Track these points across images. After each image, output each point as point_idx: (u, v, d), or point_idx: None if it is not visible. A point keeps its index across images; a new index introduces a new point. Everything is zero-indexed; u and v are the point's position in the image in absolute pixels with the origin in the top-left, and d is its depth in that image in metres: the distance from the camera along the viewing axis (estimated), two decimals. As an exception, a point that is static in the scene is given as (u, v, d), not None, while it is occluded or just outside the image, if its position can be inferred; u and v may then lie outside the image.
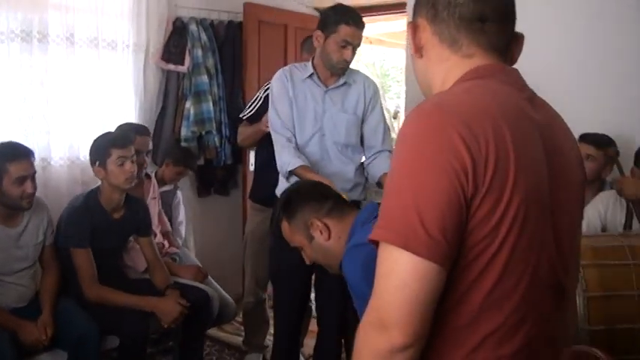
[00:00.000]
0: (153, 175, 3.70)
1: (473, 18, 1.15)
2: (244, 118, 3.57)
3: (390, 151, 2.96)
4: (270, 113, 2.95)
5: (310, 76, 2.90)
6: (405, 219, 0.99)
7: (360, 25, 2.81)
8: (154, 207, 3.53)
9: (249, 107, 3.55)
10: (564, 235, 1.15)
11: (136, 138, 3.23)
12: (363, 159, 3.06)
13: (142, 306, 2.94)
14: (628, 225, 2.74)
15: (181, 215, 3.88)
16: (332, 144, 2.89)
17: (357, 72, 3.08)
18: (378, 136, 2.99)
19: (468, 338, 1.07)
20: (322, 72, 2.91)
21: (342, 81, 2.92)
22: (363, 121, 2.98)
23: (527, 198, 1.04)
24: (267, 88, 3.43)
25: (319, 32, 2.84)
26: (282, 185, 2.91)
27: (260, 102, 3.47)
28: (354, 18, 2.79)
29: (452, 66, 1.18)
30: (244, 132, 3.56)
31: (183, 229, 3.88)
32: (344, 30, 2.76)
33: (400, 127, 1.10)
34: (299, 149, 2.86)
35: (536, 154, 1.09)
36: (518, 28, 1.22)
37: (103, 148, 2.94)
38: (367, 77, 3.07)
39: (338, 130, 2.89)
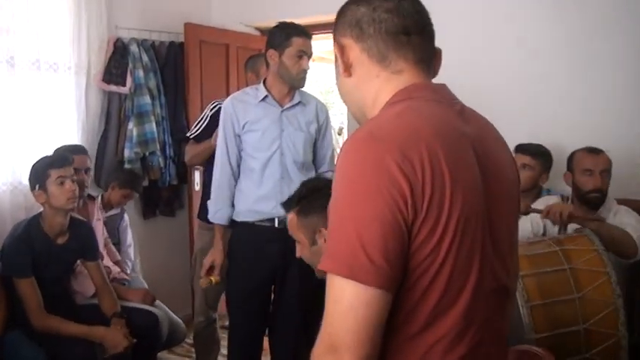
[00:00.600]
0: (98, 197, 3.65)
1: (398, 31, 1.19)
2: (191, 137, 3.57)
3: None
4: (219, 142, 2.99)
5: (264, 98, 2.93)
6: (348, 249, 1.02)
7: (309, 36, 2.91)
8: (99, 229, 3.47)
9: (195, 126, 3.56)
10: (502, 239, 1.20)
11: (74, 157, 3.16)
12: None
13: (89, 335, 2.89)
14: (563, 228, 2.85)
15: (129, 238, 3.83)
16: (292, 162, 2.92)
17: (308, 94, 3.13)
18: (327, 157, 3.11)
19: (418, 346, 1.11)
20: (278, 91, 2.95)
21: (296, 100, 2.96)
22: (316, 142, 3.05)
23: (464, 213, 1.08)
24: (214, 107, 3.48)
25: (272, 51, 2.89)
26: (249, 201, 2.94)
27: (207, 120, 3.49)
28: (302, 29, 2.90)
29: (382, 82, 1.22)
30: (192, 150, 3.56)
31: (132, 252, 3.83)
32: (297, 42, 2.85)
33: (338, 157, 1.12)
34: (256, 172, 2.92)
35: (470, 168, 1.13)
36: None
37: (41, 170, 2.90)
38: (318, 100, 3.14)
39: (296, 148, 2.93)
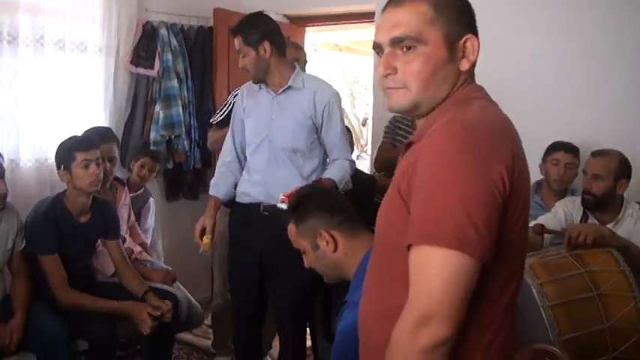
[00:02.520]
0: (125, 180, 3.69)
1: (471, 17, 1.31)
2: (214, 123, 3.60)
3: (348, 160, 3.01)
4: (231, 123, 3.11)
5: (260, 86, 2.97)
6: (455, 223, 1.09)
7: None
8: (125, 214, 3.53)
9: (219, 112, 3.58)
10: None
11: (101, 145, 3.20)
12: None
13: (118, 310, 2.95)
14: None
15: (149, 221, 3.87)
16: (280, 149, 2.91)
17: (314, 77, 3.10)
18: (335, 144, 2.99)
19: (496, 307, 1.22)
20: (272, 78, 2.93)
21: (287, 85, 2.91)
22: (320, 129, 2.96)
23: (526, 199, 1.22)
24: (237, 93, 3.47)
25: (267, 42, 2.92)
26: (244, 184, 3.00)
27: (230, 107, 3.50)
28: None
29: (454, 73, 1.29)
30: (214, 136, 3.59)
31: (149, 235, 3.86)
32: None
33: (429, 142, 1.18)
34: (249, 158, 3.00)
35: (526, 161, 1.27)
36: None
37: (67, 151, 2.94)
38: (325, 85, 3.04)
39: (284, 134, 2.90)
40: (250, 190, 2.95)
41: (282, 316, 3.03)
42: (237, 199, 3.03)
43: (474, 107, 1.23)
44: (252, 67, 2.86)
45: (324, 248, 1.92)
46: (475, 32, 1.28)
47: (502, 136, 1.19)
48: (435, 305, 1.08)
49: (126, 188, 3.62)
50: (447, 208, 1.10)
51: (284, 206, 2.62)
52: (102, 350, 2.87)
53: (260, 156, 2.94)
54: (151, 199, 3.89)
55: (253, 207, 2.94)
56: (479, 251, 1.08)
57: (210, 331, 3.89)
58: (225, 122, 3.50)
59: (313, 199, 2.02)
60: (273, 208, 2.79)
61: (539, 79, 3.69)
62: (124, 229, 3.45)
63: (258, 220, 2.92)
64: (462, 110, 1.22)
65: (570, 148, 3.29)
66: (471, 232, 1.08)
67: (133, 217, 3.63)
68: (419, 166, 1.16)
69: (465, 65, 1.27)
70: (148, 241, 3.81)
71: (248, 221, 2.98)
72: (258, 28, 2.86)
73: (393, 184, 1.26)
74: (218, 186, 3.08)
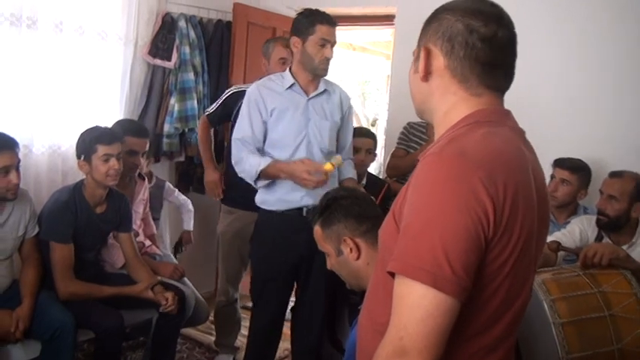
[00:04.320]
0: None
1: (486, 62, 1.22)
2: (206, 114, 3.67)
3: (351, 160, 3.18)
4: (242, 123, 2.94)
5: (291, 86, 2.93)
6: (431, 258, 1.07)
7: (334, 23, 2.88)
8: (141, 208, 3.53)
9: (213, 105, 3.67)
10: (538, 255, 1.29)
11: (134, 139, 3.25)
12: None
13: (121, 293, 2.98)
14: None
15: (181, 197, 4.01)
16: (318, 151, 2.93)
17: (332, 82, 3.13)
18: (346, 146, 3.15)
19: (471, 347, 1.19)
20: (303, 79, 2.94)
21: (322, 88, 2.96)
22: (339, 130, 3.07)
23: (527, 233, 1.16)
24: (230, 92, 3.55)
25: (296, 38, 2.89)
26: (262, 195, 2.96)
27: (220, 102, 3.59)
28: (327, 17, 2.88)
29: (458, 100, 1.25)
30: (203, 139, 3.71)
31: (189, 205, 4.03)
32: (320, 29, 2.83)
33: (421, 167, 1.16)
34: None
35: (532, 193, 1.21)
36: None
37: (89, 142, 2.93)
38: (342, 89, 3.14)
39: (322, 136, 2.94)
40: (289, 196, 2.90)
41: (308, 312, 3.06)
42: (269, 207, 2.96)
43: (475, 133, 1.19)
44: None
45: (347, 255, 1.91)
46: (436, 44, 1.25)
47: (499, 167, 1.13)
48: (410, 341, 1.07)
49: (145, 183, 3.62)
50: (426, 243, 1.08)
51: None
52: (107, 340, 2.87)
53: (299, 158, 2.87)
54: (167, 184, 3.90)
55: (294, 212, 2.92)
56: (455, 289, 1.06)
57: (214, 327, 3.88)
58: (214, 117, 3.62)
59: (342, 204, 1.99)
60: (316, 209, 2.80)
61: (558, 92, 3.68)
62: (137, 224, 3.46)
63: (300, 224, 2.85)
64: (460, 136, 1.20)
65: (568, 165, 3.26)
66: (447, 269, 1.06)
67: (147, 210, 3.65)
68: (409, 192, 1.16)
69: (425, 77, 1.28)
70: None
71: (287, 228, 2.93)
72: None
73: (393, 205, 1.26)
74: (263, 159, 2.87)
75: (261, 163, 2.83)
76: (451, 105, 1.26)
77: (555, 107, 3.65)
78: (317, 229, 2.02)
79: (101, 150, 2.90)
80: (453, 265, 1.06)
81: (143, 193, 3.57)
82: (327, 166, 2.76)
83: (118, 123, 3.43)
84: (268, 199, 2.96)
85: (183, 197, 4.00)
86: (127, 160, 3.21)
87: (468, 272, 1.07)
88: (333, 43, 2.87)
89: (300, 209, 2.92)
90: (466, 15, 1.21)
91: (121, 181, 3.19)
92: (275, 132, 2.91)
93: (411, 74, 1.33)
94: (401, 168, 3.77)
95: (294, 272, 3.03)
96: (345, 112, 3.08)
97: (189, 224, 4.02)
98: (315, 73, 2.92)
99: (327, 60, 2.88)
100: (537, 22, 3.62)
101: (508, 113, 1.28)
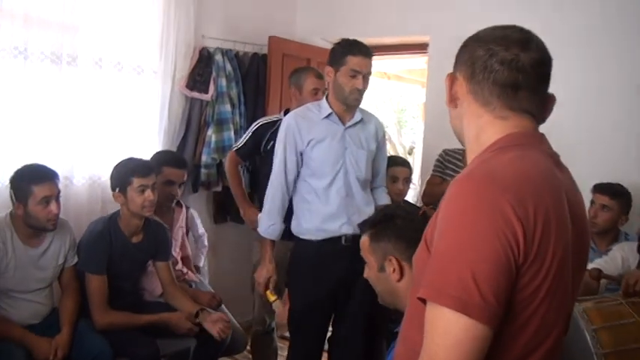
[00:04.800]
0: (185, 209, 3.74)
1: (506, 84, 1.22)
2: (234, 149, 3.69)
3: (385, 187, 3.20)
4: (276, 160, 2.97)
5: (328, 115, 2.95)
6: (460, 284, 1.06)
7: (367, 54, 2.87)
8: (180, 235, 3.58)
9: (241, 140, 3.70)
10: (576, 284, 1.25)
11: (172, 169, 3.32)
12: None
13: (156, 321, 2.99)
14: None
15: (200, 229, 3.92)
16: (355, 180, 2.94)
17: (367, 111, 3.14)
18: (381, 173, 3.18)
19: None
20: (338, 109, 2.95)
21: (358, 118, 2.97)
22: (374, 158, 3.09)
23: (562, 260, 1.13)
24: (257, 124, 3.59)
25: (329, 68, 2.92)
26: (298, 223, 2.98)
27: (249, 135, 3.62)
28: (360, 48, 2.87)
29: (485, 123, 1.26)
30: (233, 176, 3.70)
31: (205, 240, 3.94)
32: (352, 60, 2.83)
33: (449, 192, 1.16)
34: (322, 191, 2.92)
35: (566, 217, 1.17)
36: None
37: (124, 175, 2.99)
38: (377, 118, 3.18)
39: (359, 166, 2.95)
40: (329, 225, 2.90)
41: (344, 351, 3.05)
42: (307, 237, 2.96)
43: (504, 157, 1.19)
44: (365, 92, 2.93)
45: (389, 274, 1.89)
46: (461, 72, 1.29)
47: (529, 190, 1.11)
48: None
49: (183, 210, 3.68)
50: (454, 268, 1.07)
51: None
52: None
53: (337, 187, 2.90)
54: (190, 210, 3.90)
55: (333, 241, 2.91)
56: (484, 315, 1.05)
57: (251, 357, 3.88)
58: (244, 150, 3.63)
59: (396, 223, 1.96)
60: (355, 238, 2.80)
61: (600, 114, 3.65)
62: (176, 251, 3.51)
63: (339, 253, 2.88)
64: (489, 159, 1.20)
65: (608, 190, 3.20)
66: (475, 295, 1.04)
67: (185, 238, 3.71)
68: (439, 217, 1.16)
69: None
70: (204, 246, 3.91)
71: (325, 257, 2.93)
72: None
73: (425, 231, 1.26)
74: (275, 227, 2.98)
75: (269, 229, 2.98)
76: (479, 129, 1.27)
77: (591, 130, 3.62)
78: (365, 240, 1.99)
79: (136, 182, 2.95)
80: (482, 291, 1.04)
81: (182, 220, 3.62)
82: (270, 297, 2.98)
83: (157, 154, 3.51)
84: (305, 227, 2.95)
85: (202, 230, 3.94)
86: (164, 190, 3.28)
87: (498, 298, 1.06)
88: (365, 74, 2.86)
89: (339, 237, 2.91)
90: (490, 41, 1.23)
91: (159, 209, 3.25)
92: (313, 161, 2.92)
93: (447, 102, 1.36)
94: (437, 195, 3.74)
95: (333, 302, 3.01)
96: (380, 141, 3.11)
97: (201, 259, 3.92)
98: (346, 103, 2.92)
99: (358, 91, 2.86)
100: (572, 41, 3.62)
101: (541, 136, 1.27)
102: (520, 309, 1.12)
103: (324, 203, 2.91)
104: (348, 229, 2.89)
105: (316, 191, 2.92)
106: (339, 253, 2.88)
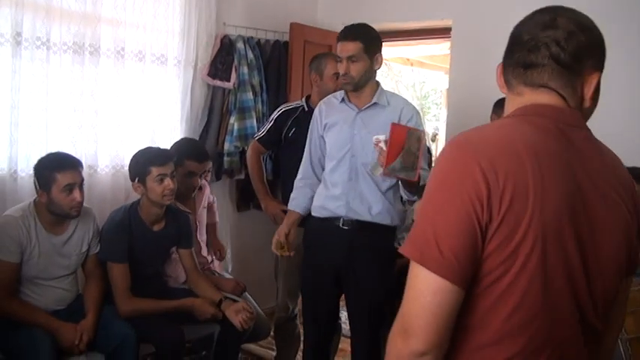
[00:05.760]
0: (207, 185, 3.75)
1: (518, 64, 1.28)
2: (256, 138, 3.71)
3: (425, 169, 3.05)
4: (307, 142, 3.12)
5: (343, 99, 2.97)
6: (423, 238, 1.13)
7: (345, 38, 2.87)
8: (202, 216, 3.61)
9: (263, 128, 3.70)
10: (598, 278, 1.20)
11: (194, 163, 3.34)
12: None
13: (179, 307, 3.03)
14: None
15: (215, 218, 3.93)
16: (361, 164, 2.91)
17: (396, 95, 3.13)
18: None
19: (491, 358, 1.17)
20: (349, 93, 2.97)
21: (373, 101, 2.93)
22: None
23: (545, 233, 1.12)
24: (280, 110, 3.61)
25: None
26: (322, 199, 2.99)
27: (272, 123, 3.63)
28: (338, 34, 2.92)
29: (509, 101, 1.32)
30: (254, 168, 3.72)
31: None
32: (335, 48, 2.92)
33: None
34: (322, 173, 3.03)
35: (561, 193, 1.15)
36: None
37: (142, 165, 3.01)
38: (407, 103, 3.06)
39: (366, 151, 2.89)
40: (329, 204, 2.95)
41: (358, 328, 3.04)
42: (314, 213, 3.03)
43: (496, 123, 1.28)
44: (358, 76, 2.86)
45: None
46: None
47: (504, 157, 1.13)
48: (409, 319, 1.12)
49: (206, 191, 3.70)
50: (421, 224, 1.16)
51: (382, 141, 2.60)
52: (167, 355, 2.92)
53: (342, 170, 2.93)
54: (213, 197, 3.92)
55: (331, 221, 2.94)
56: (441, 269, 1.09)
57: (274, 343, 3.91)
58: (266, 138, 3.63)
59: None
60: (353, 223, 2.85)
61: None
62: (203, 233, 3.55)
63: (336, 234, 2.92)
64: (480, 127, 1.26)
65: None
66: (434, 249, 1.10)
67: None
68: None
69: None
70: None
71: (324, 235, 2.98)
72: (378, 40, 2.94)
73: None
74: (297, 200, 3.09)
75: (292, 201, 3.11)
76: (508, 107, 1.33)
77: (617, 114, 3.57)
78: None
79: (155, 171, 2.97)
80: (440, 246, 1.10)
81: (205, 200, 3.65)
82: (280, 252, 3.05)
83: (179, 144, 3.53)
84: (314, 204, 3.03)
85: (217, 219, 3.94)
86: (185, 181, 3.31)
87: (456, 254, 1.10)
88: (347, 58, 2.84)
89: (337, 218, 2.93)
90: (518, 26, 1.30)
91: (181, 197, 3.30)
92: (327, 144, 3.01)
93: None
94: None
95: (334, 280, 3.02)
96: (407, 124, 2.92)
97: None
98: (343, 89, 2.98)
99: (342, 75, 2.89)
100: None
101: (550, 109, 1.25)
102: (493, 279, 1.13)
103: (326, 184, 2.98)
104: (342, 212, 2.89)
105: (325, 173, 3.00)
106: (338, 235, 2.91)
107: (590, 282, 1.19)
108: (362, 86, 2.89)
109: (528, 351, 1.15)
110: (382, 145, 2.54)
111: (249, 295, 3.57)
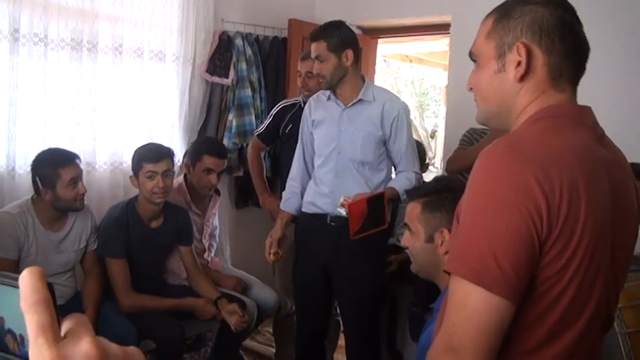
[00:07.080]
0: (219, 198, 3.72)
1: (577, 54, 1.19)
2: (256, 134, 3.71)
3: (415, 172, 2.97)
4: (299, 140, 3.13)
5: (329, 96, 2.97)
6: (478, 256, 1.05)
7: (310, 39, 2.94)
8: (210, 222, 3.59)
9: (262, 124, 3.72)
10: (620, 272, 1.21)
11: (213, 158, 3.31)
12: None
13: (179, 306, 3.03)
14: None
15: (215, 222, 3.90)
16: (348, 161, 2.91)
17: (384, 91, 3.12)
18: (401, 156, 2.96)
19: None
20: (336, 91, 2.95)
21: (359, 97, 2.91)
22: (388, 141, 2.94)
23: (594, 238, 1.09)
24: (279, 106, 3.63)
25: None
26: (311, 195, 3.01)
27: (270, 119, 3.64)
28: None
29: (543, 97, 1.20)
30: (254, 164, 3.74)
31: (217, 234, 3.89)
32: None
33: (475, 165, 1.14)
34: (313, 169, 3.04)
35: (603, 196, 1.13)
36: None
37: (137, 159, 3.03)
38: (394, 98, 3.06)
39: (354, 147, 2.89)
40: (317, 201, 2.96)
41: (349, 325, 3.05)
42: (304, 209, 3.04)
43: (533, 128, 1.16)
44: (329, 74, 2.85)
45: (436, 245, 1.80)
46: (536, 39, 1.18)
47: (556, 163, 1.07)
48: (458, 338, 1.08)
49: (220, 198, 3.67)
50: (474, 240, 1.08)
51: (343, 212, 2.67)
52: (168, 351, 2.92)
53: (328, 167, 2.94)
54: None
55: (319, 217, 2.95)
56: (501, 288, 1.04)
57: (273, 339, 3.90)
58: (266, 134, 3.65)
59: (452, 196, 1.82)
60: (341, 219, 2.81)
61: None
62: (206, 239, 3.54)
63: (324, 230, 2.93)
64: (520, 131, 1.17)
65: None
66: (493, 267, 1.04)
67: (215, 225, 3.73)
68: (465, 190, 1.15)
69: (513, 75, 1.20)
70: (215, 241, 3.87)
71: (313, 231, 3.00)
72: (343, 36, 2.88)
73: (457, 206, 1.24)
74: (290, 201, 3.10)
75: (285, 202, 3.12)
76: (529, 102, 1.21)
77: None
78: (416, 207, 1.88)
79: (146, 167, 2.98)
80: (500, 263, 1.04)
81: (216, 207, 3.63)
82: (272, 257, 3.03)
83: (199, 142, 3.58)
84: (305, 200, 3.05)
85: (216, 223, 3.84)
86: (202, 178, 3.30)
87: (516, 271, 1.04)
88: (315, 59, 2.87)
89: (324, 215, 2.93)
90: (549, 4, 1.19)
91: (196, 196, 3.38)
92: (316, 141, 3.02)
93: (489, 75, 1.26)
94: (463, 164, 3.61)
95: (323, 277, 3.03)
96: (393, 122, 2.91)
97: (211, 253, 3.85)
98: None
99: (316, 74, 2.92)
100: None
101: (581, 109, 1.22)
102: (546, 289, 1.10)
103: (315, 181, 3.00)
104: (333, 209, 2.86)
105: (314, 169, 3.02)
106: (326, 231, 2.92)
107: (616, 282, 1.20)
108: (337, 84, 2.89)
109: (567, 354, 1.14)
110: (343, 211, 2.65)
111: (252, 277, 3.64)
